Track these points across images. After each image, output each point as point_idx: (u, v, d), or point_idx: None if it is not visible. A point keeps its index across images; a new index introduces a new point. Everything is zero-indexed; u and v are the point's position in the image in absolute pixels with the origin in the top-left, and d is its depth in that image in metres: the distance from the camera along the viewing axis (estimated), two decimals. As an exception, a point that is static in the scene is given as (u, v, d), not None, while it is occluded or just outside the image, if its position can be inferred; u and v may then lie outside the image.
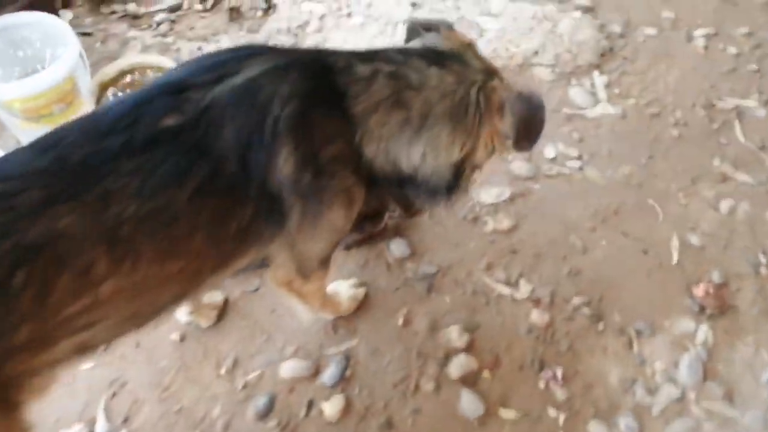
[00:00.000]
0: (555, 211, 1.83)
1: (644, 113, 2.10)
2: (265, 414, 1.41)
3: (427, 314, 1.60)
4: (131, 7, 2.30)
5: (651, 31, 2.37)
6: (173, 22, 2.33)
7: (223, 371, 1.49)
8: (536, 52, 2.25)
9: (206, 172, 0.92)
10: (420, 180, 1.16)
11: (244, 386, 1.46)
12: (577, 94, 2.14)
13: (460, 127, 1.12)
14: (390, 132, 1.09)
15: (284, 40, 2.23)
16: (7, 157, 0.93)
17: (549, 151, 1.97)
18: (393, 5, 2.34)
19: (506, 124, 1.13)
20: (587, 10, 2.42)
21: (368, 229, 1.68)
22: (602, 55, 2.28)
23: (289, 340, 1.54)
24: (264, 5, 2.34)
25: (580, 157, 1.96)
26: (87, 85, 1.76)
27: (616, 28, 2.37)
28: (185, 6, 2.34)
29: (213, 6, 2.35)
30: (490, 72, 1.15)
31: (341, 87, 1.05)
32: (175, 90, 0.95)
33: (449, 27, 1.20)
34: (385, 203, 1.59)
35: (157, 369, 1.49)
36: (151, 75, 1.87)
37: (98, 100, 1.75)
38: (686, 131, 2.05)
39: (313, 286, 1.30)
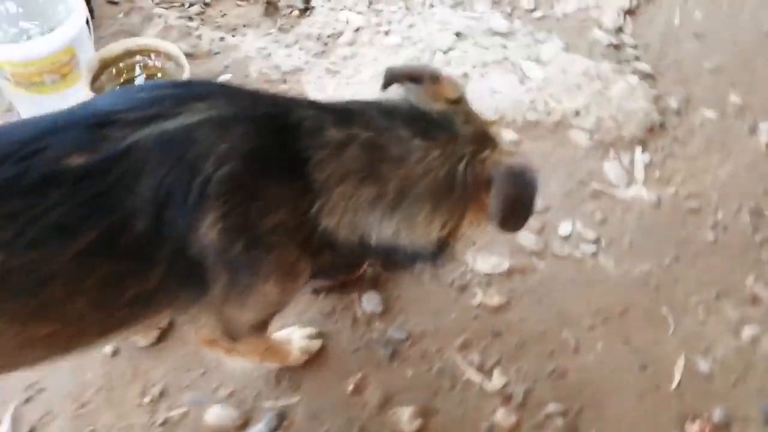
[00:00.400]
0: (554, 297, 1.63)
1: (682, 206, 1.87)
2: (176, 460, 1.29)
3: (382, 385, 1.44)
4: (168, -19, 2.20)
5: (711, 114, 2.13)
6: (207, 4, 2.22)
7: (146, 400, 1.37)
8: (578, 113, 2.04)
9: (107, 227, 0.79)
10: (397, 249, 1.02)
11: (164, 422, 1.34)
12: (611, 168, 1.93)
13: (443, 207, 0.98)
14: (357, 206, 0.94)
15: (312, 47, 2.09)
16: None
17: (564, 228, 1.77)
18: (435, 31, 2.17)
19: (491, 203, 0.97)
20: (646, 76, 2.19)
21: (341, 278, 1.53)
22: (650, 130, 2.05)
23: (225, 381, 1.40)
24: (301, 5, 2.20)
25: (597, 242, 1.76)
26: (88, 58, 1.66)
27: (673, 104, 2.13)
28: (224, -10, 2.23)
29: (253, -6, 2.23)
30: (481, 140, 0.99)
31: (303, 150, 0.90)
32: (96, 122, 0.81)
33: (434, 77, 1.02)
34: (361, 258, 1.44)
35: (79, 381, 1.38)
36: (166, 65, 1.75)
37: (95, 78, 1.65)
38: (724, 237, 1.82)
39: (245, 347, 1.15)
